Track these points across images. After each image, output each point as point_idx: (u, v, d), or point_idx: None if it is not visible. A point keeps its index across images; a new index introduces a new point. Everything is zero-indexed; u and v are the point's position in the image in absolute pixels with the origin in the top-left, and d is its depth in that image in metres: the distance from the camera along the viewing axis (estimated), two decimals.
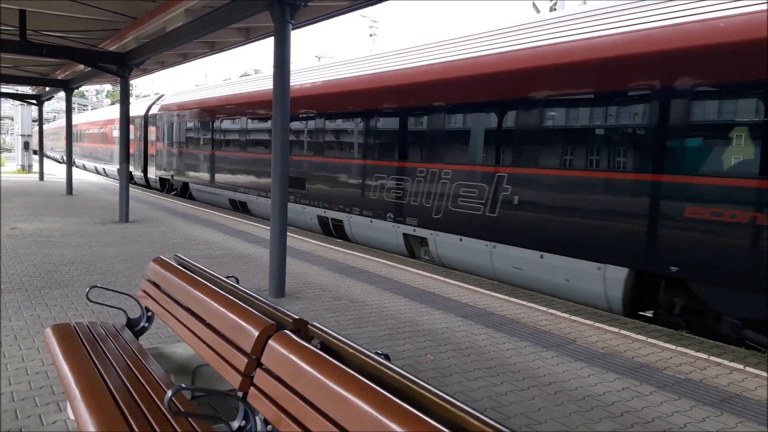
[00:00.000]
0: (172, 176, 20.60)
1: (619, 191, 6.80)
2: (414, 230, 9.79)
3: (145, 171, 23.81)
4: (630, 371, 4.94)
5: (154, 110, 22.44)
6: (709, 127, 6.22)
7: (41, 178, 24.37)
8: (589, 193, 7.12)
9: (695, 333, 6.36)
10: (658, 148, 6.47)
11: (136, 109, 23.94)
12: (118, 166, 23.65)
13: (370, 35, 44.43)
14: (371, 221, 10.77)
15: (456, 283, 8.11)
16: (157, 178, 22.25)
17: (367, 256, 9.83)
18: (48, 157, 49.31)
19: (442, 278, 8.36)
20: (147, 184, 23.91)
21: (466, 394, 4.30)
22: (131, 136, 23.34)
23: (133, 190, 20.21)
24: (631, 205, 6.67)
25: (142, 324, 4.10)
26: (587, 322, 6.40)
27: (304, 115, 12.65)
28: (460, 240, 8.90)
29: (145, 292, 4.10)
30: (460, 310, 6.70)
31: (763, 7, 5.74)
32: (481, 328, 5.99)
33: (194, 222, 13.32)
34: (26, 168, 29.69)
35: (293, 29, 6.86)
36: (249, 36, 11.68)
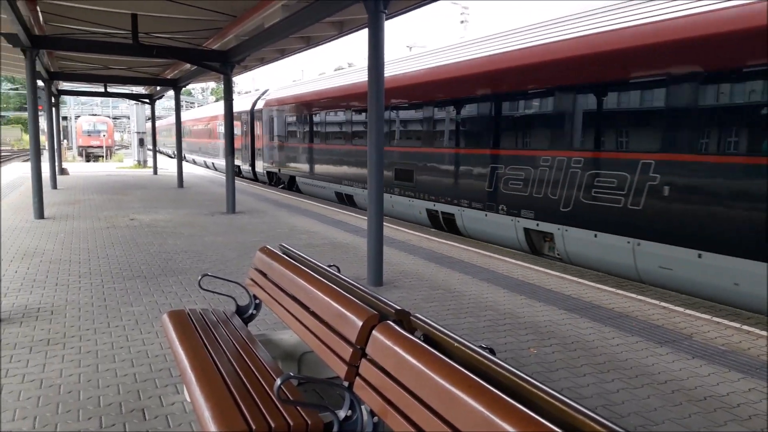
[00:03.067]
0: (279, 170, 21.03)
1: None
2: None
3: (252, 165, 24.50)
4: (756, 371, 4.54)
5: (259, 105, 23.07)
6: None
7: (155, 172, 26.12)
8: None
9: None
10: None
11: (241, 104, 24.96)
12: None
13: (461, 22, 43.66)
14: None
15: (557, 273, 7.83)
16: (264, 171, 22.81)
17: (462, 246, 9.71)
18: (161, 152, 52.80)
19: (542, 269, 8.10)
20: (255, 177, 24.66)
21: (575, 390, 4.13)
22: (237, 131, 24.61)
23: (239, 183, 21.15)
24: None
25: (250, 311, 4.26)
26: (704, 316, 5.95)
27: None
28: None
29: (252, 280, 4.25)
30: (564, 302, 6.45)
31: None
32: (587, 322, 5.73)
33: (296, 213, 13.76)
34: (141, 163, 31.92)
35: (387, 19, 6.83)
36: (342, 29, 11.85)
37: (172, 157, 44.15)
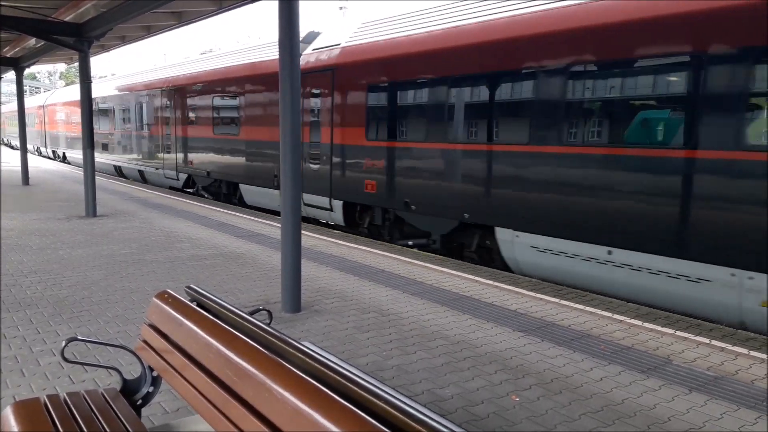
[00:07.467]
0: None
1: None
2: None
3: None
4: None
5: None
6: None
7: None
8: None
9: None
10: None
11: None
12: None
13: (340, 8, 42.63)
14: None
15: (490, 282, 7.03)
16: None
17: (378, 251, 8.66)
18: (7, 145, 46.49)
19: (472, 276, 7.26)
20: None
21: None
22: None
23: (99, 179, 18.52)
24: None
25: (143, 390, 2.87)
26: (683, 334, 5.38)
27: None
28: None
29: (145, 342, 2.86)
30: (514, 320, 5.61)
31: None
32: (552, 347, 4.90)
33: (171, 214, 11.92)
34: None
35: None
36: (222, 5, 10.31)
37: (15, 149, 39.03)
